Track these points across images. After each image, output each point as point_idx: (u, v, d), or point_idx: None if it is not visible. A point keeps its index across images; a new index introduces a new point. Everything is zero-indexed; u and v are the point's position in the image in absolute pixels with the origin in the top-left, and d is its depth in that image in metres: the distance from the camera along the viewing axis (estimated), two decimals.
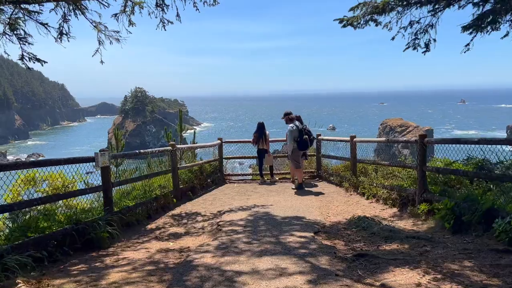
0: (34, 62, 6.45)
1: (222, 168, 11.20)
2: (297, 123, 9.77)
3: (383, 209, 7.42)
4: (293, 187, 10.04)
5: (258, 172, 11.00)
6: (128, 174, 8.69)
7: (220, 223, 6.38)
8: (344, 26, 6.11)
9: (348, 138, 9.41)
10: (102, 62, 7.34)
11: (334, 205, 7.90)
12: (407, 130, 59.35)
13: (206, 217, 7.14)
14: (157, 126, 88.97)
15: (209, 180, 10.13)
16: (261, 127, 10.69)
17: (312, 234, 5.59)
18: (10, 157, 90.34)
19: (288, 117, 10.01)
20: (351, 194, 8.87)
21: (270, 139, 10.95)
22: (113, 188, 6.55)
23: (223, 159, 11.28)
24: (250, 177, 11.60)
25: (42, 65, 6.58)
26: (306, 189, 9.66)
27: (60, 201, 6.25)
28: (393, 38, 6.31)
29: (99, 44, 7.10)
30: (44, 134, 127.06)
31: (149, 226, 6.67)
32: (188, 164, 9.37)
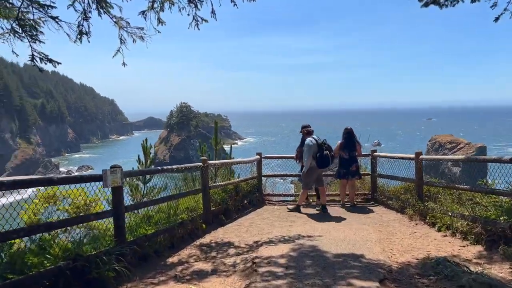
0: (46, 63, 5.60)
1: (261, 187, 9.93)
2: (315, 136, 8.52)
3: (463, 246, 5.82)
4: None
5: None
6: (156, 192, 7.69)
7: (256, 260, 5.08)
8: (425, 4, 4.71)
9: (413, 155, 7.85)
10: (124, 64, 6.40)
11: (398, 237, 6.38)
12: (458, 147, 55.51)
13: (239, 250, 5.88)
14: (201, 140, 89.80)
15: (245, 201, 8.88)
16: (303, 139, 9.35)
17: (377, 284, 4.17)
18: (62, 169, 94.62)
19: (306, 130, 8.79)
20: (416, 224, 7.29)
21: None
22: (129, 212, 5.50)
23: (262, 177, 10.02)
24: (293, 197, 10.22)
25: (55, 66, 5.74)
26: (360, 215, 8.17)
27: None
28: (497, 19, 4.81)
29: (121, 42, 6.17)
30: (94, 147, 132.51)
31: (170, 260, 5.49)
32: (221, 183, 8.19)
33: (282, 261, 4.98)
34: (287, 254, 5.27)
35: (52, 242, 4.26)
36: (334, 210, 8.74)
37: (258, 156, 9.91)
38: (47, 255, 4.10)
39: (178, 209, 6.69)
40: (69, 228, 4.96)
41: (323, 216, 8.21)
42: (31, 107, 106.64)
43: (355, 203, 9.22)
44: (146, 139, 8.75)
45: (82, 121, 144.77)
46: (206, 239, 6.54)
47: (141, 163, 8.77)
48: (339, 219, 7.80)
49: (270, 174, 10.16)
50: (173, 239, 6.03)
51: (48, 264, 3.99)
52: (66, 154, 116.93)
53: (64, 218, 4.15)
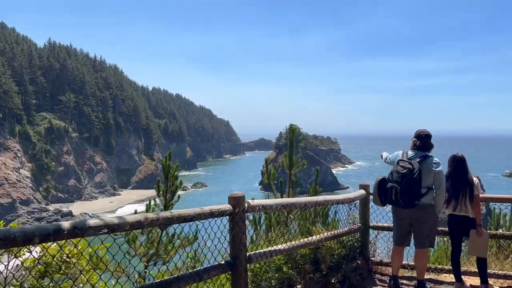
0: None
1: (367, 249, 5.44)
2: (400, 152, 4.77)
3: None
4: None
5: (451, 267, 4.96)
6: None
7: None
8: None
9: None
10: None
11: None
12: None
13: None
14: (309, 162, 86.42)
15: (333, 280, 4.51)
16: (459, 167, 4.76)
17: None
18: None
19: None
20: None
21: (482, 196, 4.90)
22: None
23: (370, 229, 5.55)
24: (436, 273, 5.45)
25: None
26: None
27: None
28: None
29: None
30: (208, 166, 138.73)
31: None
32: (281, 246, 3.93)
33: None
34: None
35: None
36: None
37: (363, 191, 5.47)
38: None
39: None
40: None
41: None
42: (155, 126, 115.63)
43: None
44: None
45: (200, 141, 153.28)
46: None
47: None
48: None
49: (383, 225, 5.57)
50: None
51: None
52: (184, 171, 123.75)
53: None
